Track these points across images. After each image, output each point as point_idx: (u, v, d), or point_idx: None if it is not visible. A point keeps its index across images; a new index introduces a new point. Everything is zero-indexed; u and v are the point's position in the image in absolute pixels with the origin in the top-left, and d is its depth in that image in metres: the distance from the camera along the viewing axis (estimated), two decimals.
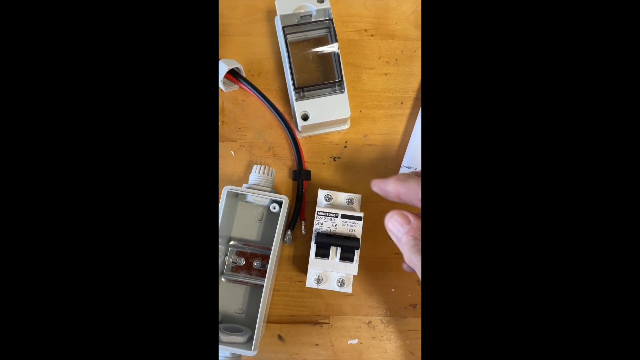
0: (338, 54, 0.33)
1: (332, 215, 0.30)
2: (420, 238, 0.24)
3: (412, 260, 0.23)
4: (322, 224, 0.30)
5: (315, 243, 0.29)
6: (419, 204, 0.24)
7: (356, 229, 0.30)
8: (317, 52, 0.34)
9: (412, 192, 0.25)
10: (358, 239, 0.29)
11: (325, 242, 0.29)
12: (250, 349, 0.28)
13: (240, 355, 0.30)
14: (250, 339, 0.29)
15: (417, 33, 0.38)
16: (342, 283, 0.30)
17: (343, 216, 0.30)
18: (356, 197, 0.31)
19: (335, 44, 0.34)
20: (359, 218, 0.30)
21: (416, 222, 0.24)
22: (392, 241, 0.25)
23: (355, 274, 0.29)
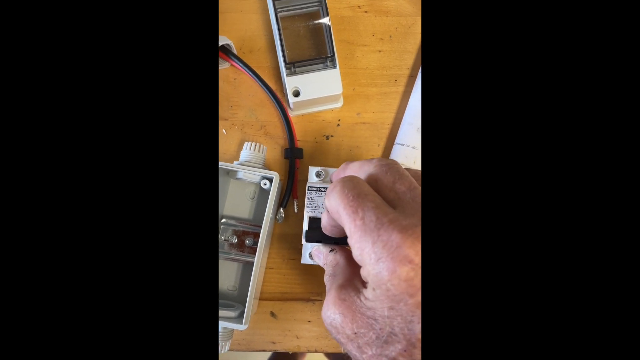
0: (329, 27, 0.33)
1: (323, 189, 0.30)
2: (330, 271, 0.25)
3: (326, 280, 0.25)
4: (313, 199, 0.30)
5: (304, 239, 0.29)
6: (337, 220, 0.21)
7: None
8: (309, 26, 0.34)
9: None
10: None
11: (315, 239, 0.28)
12: (241, 323, 0.28)
13: (232, 330, 0.30)
14: (242, 314, 0.29)
15: (411, 9, 0.37)
16: None
17: None
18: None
19: (327, 18, 0.33)
20: None
21: (333, 257, 0.25)
22: None
23: None
